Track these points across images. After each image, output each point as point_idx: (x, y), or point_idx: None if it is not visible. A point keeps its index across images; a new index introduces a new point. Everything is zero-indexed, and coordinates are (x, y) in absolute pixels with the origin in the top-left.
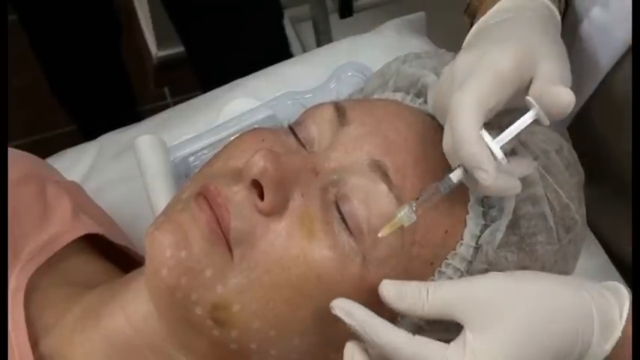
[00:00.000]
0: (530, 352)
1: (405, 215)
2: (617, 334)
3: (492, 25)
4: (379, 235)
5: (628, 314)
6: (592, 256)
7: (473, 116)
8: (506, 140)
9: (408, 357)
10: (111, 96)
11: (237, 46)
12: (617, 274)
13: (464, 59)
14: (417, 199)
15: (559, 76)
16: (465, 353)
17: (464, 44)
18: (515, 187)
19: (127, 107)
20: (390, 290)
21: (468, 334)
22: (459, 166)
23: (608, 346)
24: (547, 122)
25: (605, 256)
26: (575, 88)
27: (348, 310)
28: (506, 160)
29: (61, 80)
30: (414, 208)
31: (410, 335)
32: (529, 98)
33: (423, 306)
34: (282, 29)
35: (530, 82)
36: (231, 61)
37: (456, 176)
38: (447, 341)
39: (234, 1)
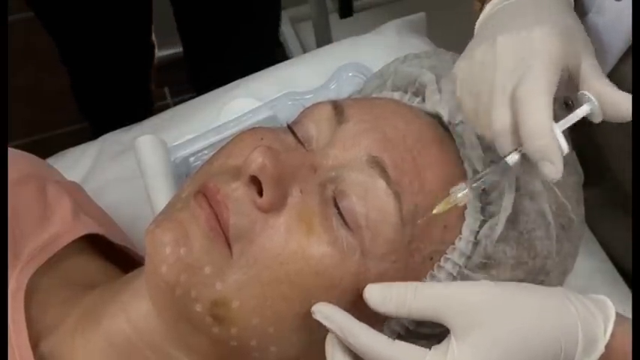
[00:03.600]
0: None
1: (463, 195)
2: (600, 349)
3: (516, 2)
4: (433, 212)
5: (614, 329)
6: (591, 255)
7: (547, 110)
8: (562, 129)
9: None
10: (132, 106)
11: (226, 50)
12: (616, 274)
13: (506, 42)
14: (472, 180)
15: (603, 74)
16: (445, 359)
17: (479, 22)
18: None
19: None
20: (374, 294)
21: (452, 340)
22: (516, 150)
23: None
24: (600, 119)
25: (605, 256)
26: None
27: (326, 315)
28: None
29: (86, 94)
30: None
31: (390, 340)
32: (587, 93)
33: (410, 305)
34: (274, 35)
35: (569, 68)
36: (219, 65)
37: (512, 160)
38: None
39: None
